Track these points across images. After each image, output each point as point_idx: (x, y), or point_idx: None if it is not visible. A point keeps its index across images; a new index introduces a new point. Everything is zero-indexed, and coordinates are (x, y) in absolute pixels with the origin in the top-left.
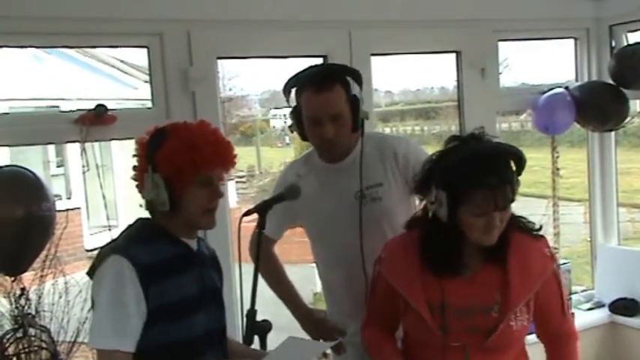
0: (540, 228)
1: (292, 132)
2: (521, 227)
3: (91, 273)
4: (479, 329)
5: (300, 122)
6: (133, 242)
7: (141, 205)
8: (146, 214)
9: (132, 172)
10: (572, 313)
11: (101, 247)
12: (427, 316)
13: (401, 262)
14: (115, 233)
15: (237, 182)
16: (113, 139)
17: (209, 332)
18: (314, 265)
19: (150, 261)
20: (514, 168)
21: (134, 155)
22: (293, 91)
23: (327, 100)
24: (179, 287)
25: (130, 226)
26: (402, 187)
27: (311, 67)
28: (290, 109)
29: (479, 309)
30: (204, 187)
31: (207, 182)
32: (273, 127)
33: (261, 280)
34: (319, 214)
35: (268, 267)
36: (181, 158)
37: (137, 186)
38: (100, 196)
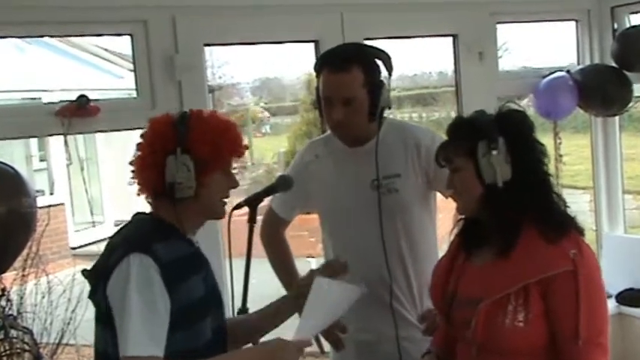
0: (572, 223)
1: (316, 108)
2: (543, 224)
3: (95, 273)
4: (468, 322)
5: (319, 99)
6: (150, 239)
7: (139, 194)
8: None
9: (118, 166)
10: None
11: (107, 245)
12: (436, 304)
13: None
14: (101, 230)
15: None
16: (98, 131)
17: (215, 333)
18: (309, 259)
19: (171, 259)
20: None
21: (138, 145)
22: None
23: (341, 81)
24: (193, 288)
25: (134, 222)
26: (422, 182)
27: (338, 46)
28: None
29: (472, 300)
30: (226, 174)
31: (229, 170)
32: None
33: (254, 276)
34: (333, 199)
35: (277, 251)
36: (223, 139)
37: (135, 175)
38: (84, 191)
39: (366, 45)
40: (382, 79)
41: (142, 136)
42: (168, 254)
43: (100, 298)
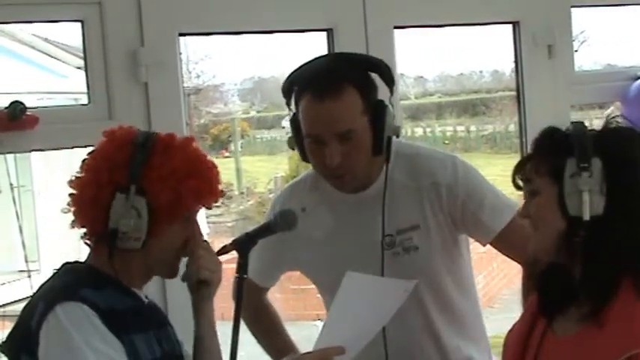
0: None
1: (293, 149)
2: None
3: (11, 345)
4: None
5: (300, 137)
6: (77, 285)
7: (82, 237)
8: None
9: (60, 196)
10: None
11: (24, 308)
12: None
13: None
14: (37, 281)
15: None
16: (34, 150)
17: None
18: (316, 323)
19: (109, 306)
20: None
21: (83, 164)
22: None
23: (334, 110)
24: (147, 346)
25: (57, 274)
26: (448, 230)
27: (319, 57)
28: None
29: None
30: (186, 224)
31: (191, 219)
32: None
33: (244, 344)
34: (330, 268)
35: (260, 324)
36: (185, 186)
37: (81, 209)
38: (15, 229)
39: (353, 54)
40: (380, 99)
41: (89, 153)
42: (103, 302)
43: None
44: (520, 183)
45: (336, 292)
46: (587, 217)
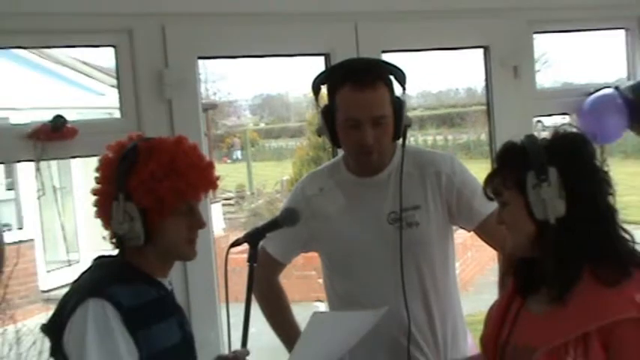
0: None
1: (320, 135)
2: (603, 266)
3: (51, 327)
4: None
5: (332, 124)
6: (109, 282)
7: (104, 238)
8: (111, 249)
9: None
10: None
11: (63, 296)
12: (488, 354)
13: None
14: (77, 270)
15: (224, 205)
16: (74, 157)
17: None
18: (316, 304)
19: (134, 304)
20: None
21: (96, 178)
22: (324, 87)
23: (370, 98)
24: (165, 334)
25: (93, 266)
26: (443, 214)
27: (350, 60)
28: (321, 108)
29: (527, 349)
30: (185, 216)
31: (188, 211)
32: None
33: (255, 323)
34: (343, 239)
35: (270, 301)
36: (163, 186)
37: (99, 215)
38: (58, 225)
39: (377, 59)
40: (398, 96)
41: (98, 167)
42: (130, 298)
43: (59, 356)
44: (490, 195)
45: (346, 259)
46: (552, 220)
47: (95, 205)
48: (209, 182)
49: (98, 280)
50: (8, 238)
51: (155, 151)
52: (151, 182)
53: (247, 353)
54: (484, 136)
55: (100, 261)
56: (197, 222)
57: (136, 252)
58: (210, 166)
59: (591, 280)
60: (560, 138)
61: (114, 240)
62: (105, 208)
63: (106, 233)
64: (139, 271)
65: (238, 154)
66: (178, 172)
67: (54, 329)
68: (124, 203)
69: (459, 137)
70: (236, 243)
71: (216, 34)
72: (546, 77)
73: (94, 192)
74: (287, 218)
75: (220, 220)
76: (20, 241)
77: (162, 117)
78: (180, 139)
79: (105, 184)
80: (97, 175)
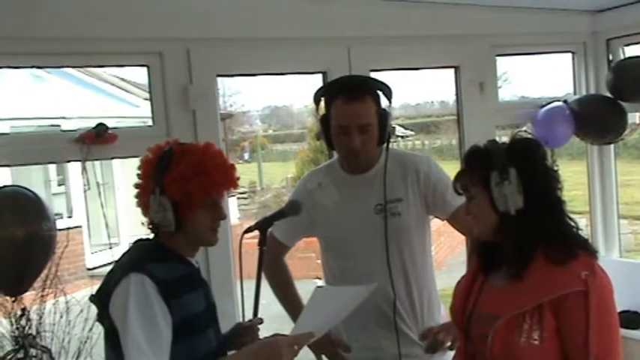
0: (583, 246)
1: (318, 140)
2: (554, 249)
3: (98, 297)
4: (485, 337)
5: (328, 130)
6: (146, 260)
7: (143, 224)
8: (146, 233)
9: (134, 191)
10: None
11: (109, 272)
12: (457, 322)
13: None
14: (117, 251)
15: (238, 198)
16: (114, 158)
17: (219, 347)
18: (316, 280)
19: (168, 278)
20: None
21: (138, 175)
22: (323, 100)
23: (358, 109)
24: (194, 302)
25: (133, 248)
26: (421, 205)
27: (344, 77)
28: (320, 117)
29: (490, 316)
30: (209, 209)
31: (213, 205)
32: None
33: (265, 296)
34: (338, 225)
35: (277, 277)
36: (192, 184)
37: (139, 205)
38: (101, 214)
39: (368, 77)
40: (384, 108)
41: (140, 165)
42: (164, 273)
43: (105, 320)
44: (459, 190)
45: (340, 243)
46: (512, 212)
47: (136, 197)
48: (231, 181)
49: (138, 259)
50: (60, 225)
51: (186, 154)
52: (182, 180)
53: (261, 321)
54: (455, 141)
55: (139, 243)
56: (219, 214)
57: (169, 237)
58: (232, 168)
59: (544, 260)
60: (518, 142)
61: (151, 226)
62: (144, 200)
63: (145, 220)
64: (172, 252)
65: (247, 155)
66: (205, 172)
67: (101, 299)
68: (159, 197)
69: (434, 142)
70: (249, 230)
71: (233, 56)
72: (507, 92)
73: (136, 186)
74: (291, 209)
75: (235, 211)
76: (69, 228)
77: (187, 125)
78: (209, 144)
79: (145, 179)
80: (138, 172)
